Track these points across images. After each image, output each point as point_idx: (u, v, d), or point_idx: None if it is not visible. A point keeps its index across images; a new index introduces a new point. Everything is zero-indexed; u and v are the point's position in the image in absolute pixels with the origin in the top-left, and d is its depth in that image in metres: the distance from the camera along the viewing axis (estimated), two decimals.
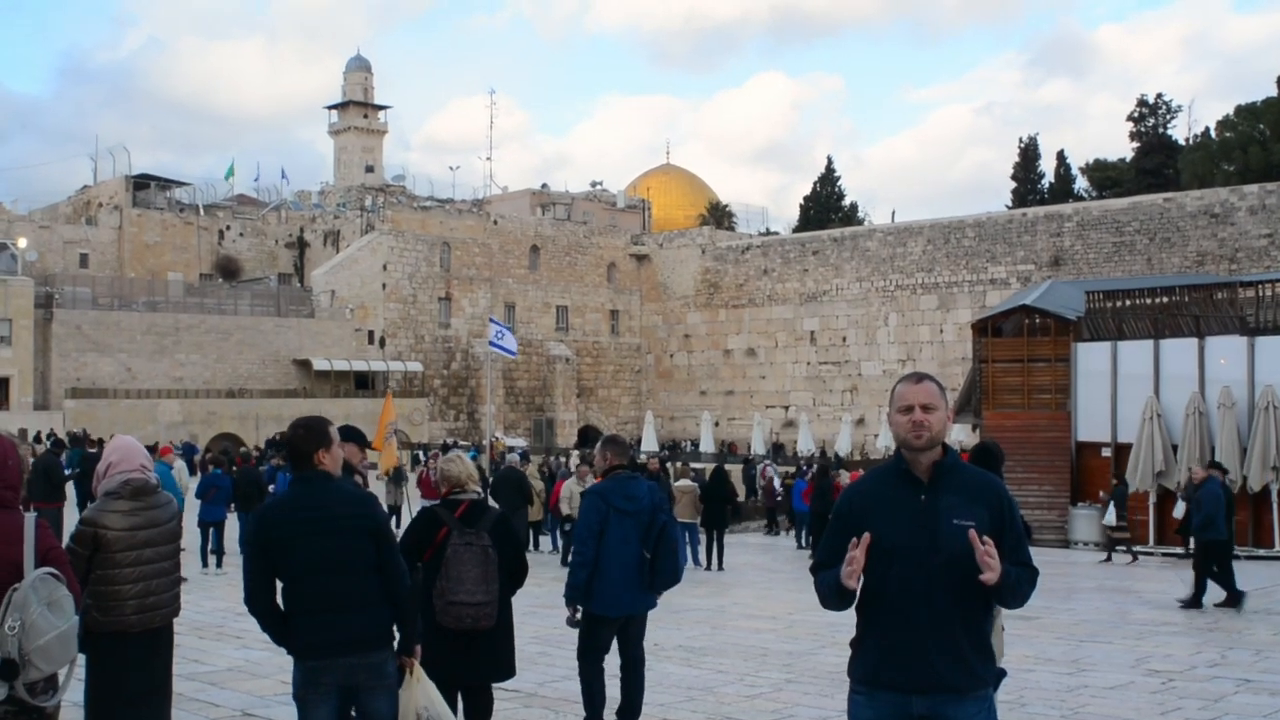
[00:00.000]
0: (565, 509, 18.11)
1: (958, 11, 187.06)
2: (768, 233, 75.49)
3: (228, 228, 64.74)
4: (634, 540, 6.96)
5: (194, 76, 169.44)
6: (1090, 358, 23.54)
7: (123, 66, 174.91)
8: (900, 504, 3.70)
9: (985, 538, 3.52)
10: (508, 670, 6.08)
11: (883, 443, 50.58)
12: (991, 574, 3.50)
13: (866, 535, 3.55)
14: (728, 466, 26.57)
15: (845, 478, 22.59)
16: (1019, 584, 3.67)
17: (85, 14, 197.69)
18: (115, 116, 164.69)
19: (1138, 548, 21.86)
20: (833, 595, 3.74)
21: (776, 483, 29.70)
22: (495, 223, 64.25)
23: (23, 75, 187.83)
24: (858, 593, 3.69)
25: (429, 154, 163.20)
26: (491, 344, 28.03)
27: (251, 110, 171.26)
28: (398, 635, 5.05)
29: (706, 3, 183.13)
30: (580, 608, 6.96)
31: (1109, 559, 20.67)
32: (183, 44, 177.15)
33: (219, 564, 16.64)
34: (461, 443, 48.81)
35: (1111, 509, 21.07)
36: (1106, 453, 23.13)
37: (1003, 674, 4.21)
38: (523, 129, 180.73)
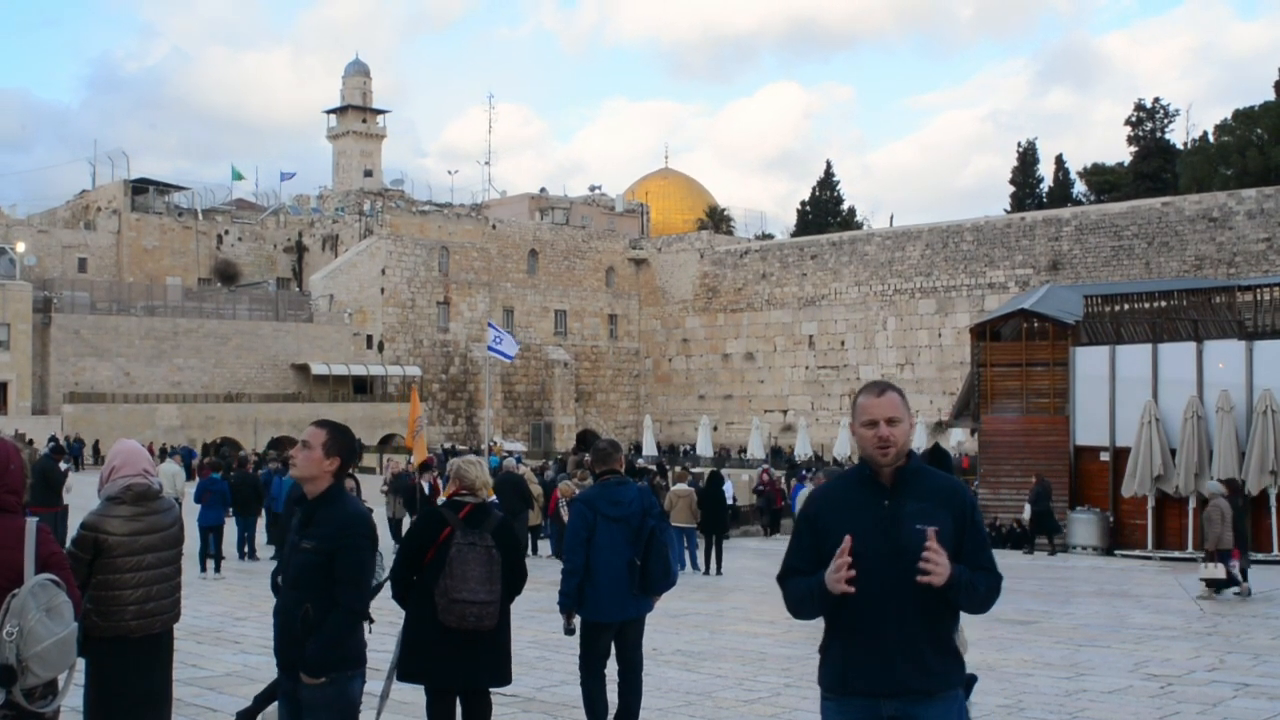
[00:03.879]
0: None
1: (970, 26, 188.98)
2: (765, 236, 75.54)
3: (226, 232, 64.76)
4: (623, 546, 6.96)
5: (219, 86, 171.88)
6: (1088, 362, 23.55)
7: (149, 76, 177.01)
8: (863, 509, 3.67)
9: (934, 544, 3.49)
10: (505, 676, 6.07)
11: None
12: (934, 576, 3.47)
13: (848, 539, 3.51)
14: (727, 471, 26.56)
15: None
16: (974, 587, 3.61)
17: (112, 25, 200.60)
18: (139, 125, 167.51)
19: (1137, 551, 21.90)
20: (811, 602, 3.68)
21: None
22: (494, 227, 64.29)
23: (51, 84, 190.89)
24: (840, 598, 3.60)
25: (447, 161, 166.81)
26: (490, 349, 28.04)
27: (277, 119, 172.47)
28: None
29: (724, 17, 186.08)
30: (576, 615, 6.97)
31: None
32: (209, 54, 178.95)
33: (217, 569, 16.58)
34: (460, 447, 48.77)
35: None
36: (1105, 457, 23.13)
37: (973, 679, 4.11)
38: (540, 137, 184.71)
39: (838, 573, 3.51)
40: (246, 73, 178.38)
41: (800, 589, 3.71)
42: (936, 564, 3.48)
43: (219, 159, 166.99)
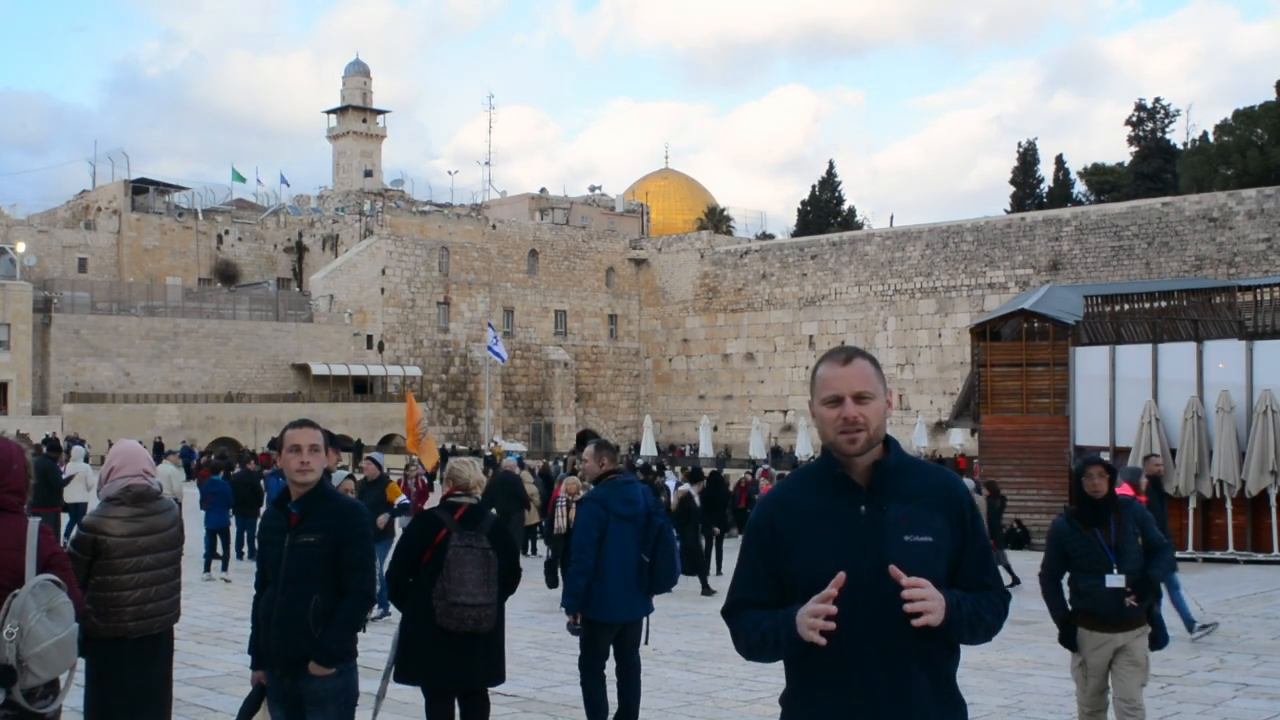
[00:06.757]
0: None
1: (980, 32, 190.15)
2: (765, 236, 75.55)
3: (226, 232, 64.77)
4: (633, 545, 6.96)
5: (238, 90, 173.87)
6: (1088, 362, 23.53)
7: (170, 80, 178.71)
8: (834, 518, 2.86)
9: (912, 576, 2.72)
10: (500, 675, 6.08)
11: None
12: (930, 615, 2.70)
13: (842, 576, 2.71)
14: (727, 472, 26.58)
15: None
16: (979, 615, 2.85)
17: (134, 30, 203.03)
18: (158, 129, 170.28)
19: None
20: (773, 644, 2.85)
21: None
22: (494, 227, 64.29)
23: (72, 88, 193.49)
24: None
25: (460, 163, 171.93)
26: (489, 349, 28.06)
27: (294, 123, 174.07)
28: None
29: (738, 24, 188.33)
30: (580, 615, 6.97)
31: None
32: (229, 59, 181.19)
33: (224, 567, 16.43)
34: (460, 447, 48.79)
35: None
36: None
37: None
38: (553, 140, 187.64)
39: (815, 616, 2.70)
40: (265, 77, 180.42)
41: (757, 626, 2.88)
42: (926, 597, 2.71)
43: (237, 162, 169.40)
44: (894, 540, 2.81)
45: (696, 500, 18.06)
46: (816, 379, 2.94)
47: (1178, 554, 21.13)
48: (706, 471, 23.54)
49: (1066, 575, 6.58)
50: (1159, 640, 6.75)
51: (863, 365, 2.89)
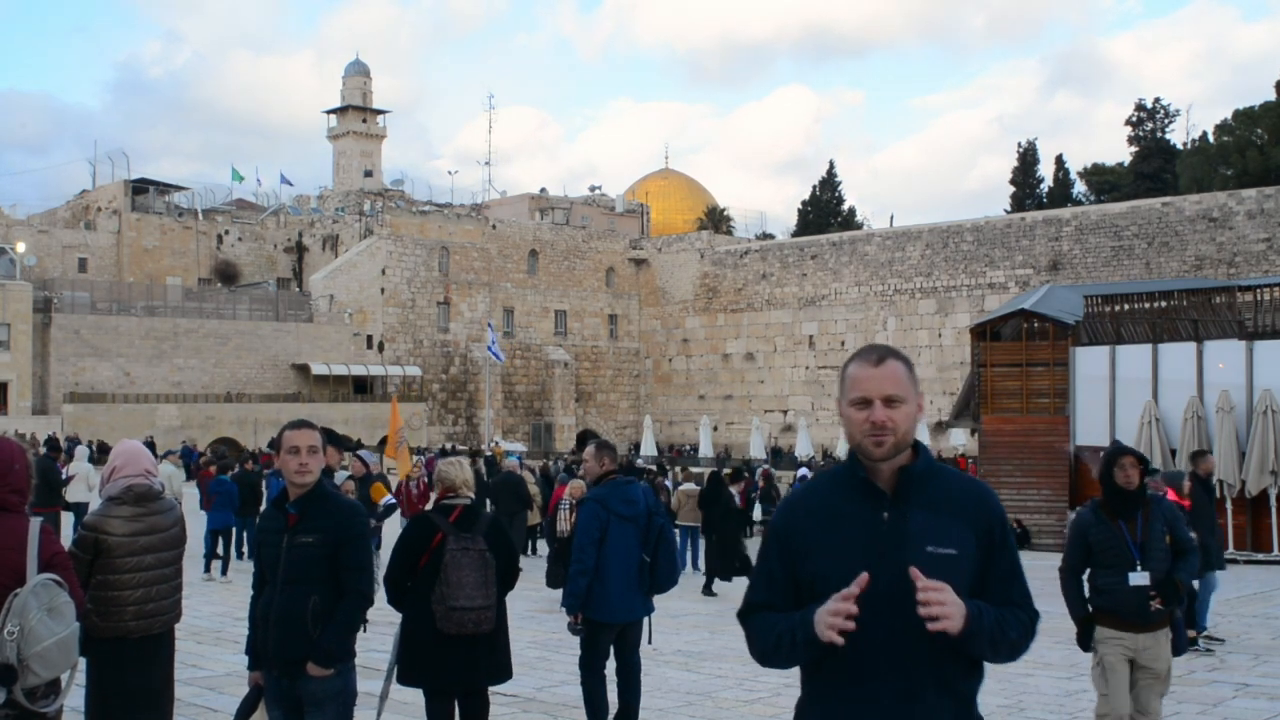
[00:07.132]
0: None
1: (982, 33, 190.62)
2: (765, 236, 75.57)
3: (226, 232, 64.75)
4: (634, 545, 6.96)
5: (240, 91, 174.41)
6: (1088, 362, 23.55)
7: (172, 80, 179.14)
8: (856, 524, 2.74)
9: (927, 580, 2.58)
10: (505, 673, 6.08)
11: None
12: (947, 620, 2.55)
13: (865, 576, 2.60)
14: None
15: None
16: (1002, 630, 2.68)
17: (136, 31, 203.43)
18: (160, 129, 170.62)
19: None
20: (789, 647, 2.75)
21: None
22: (494, 227, 64.28)
23: (74, 88, 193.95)
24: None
25: (461, 163, 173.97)
26: (489, 349, 28.06)
27: (296, 123, 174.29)
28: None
29: (740, 25, 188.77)
30: (581, 615, 6.97)
31: None
32: (232, 59, 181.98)
33: (224, 571, 16.28)
34: (459, 448, 48.80)
35: None
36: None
37: None
38: (554, 140, 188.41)
39: (835, 615, 2.58)
40: (266, 77, 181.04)
41: (772, 628, 2.79)
42: (943, 602, 2.55)
43: (237, 162, 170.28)
44: (915, 550, 2.67)
45: (737, 499, 17.87)
46: (846, 378, 2.81)
47: None
48: (706, 473, 23.53)
49: (1088, 573, 6.30)
50: (1177, 646, 6.51)
51: (895, 367, 2.76)
